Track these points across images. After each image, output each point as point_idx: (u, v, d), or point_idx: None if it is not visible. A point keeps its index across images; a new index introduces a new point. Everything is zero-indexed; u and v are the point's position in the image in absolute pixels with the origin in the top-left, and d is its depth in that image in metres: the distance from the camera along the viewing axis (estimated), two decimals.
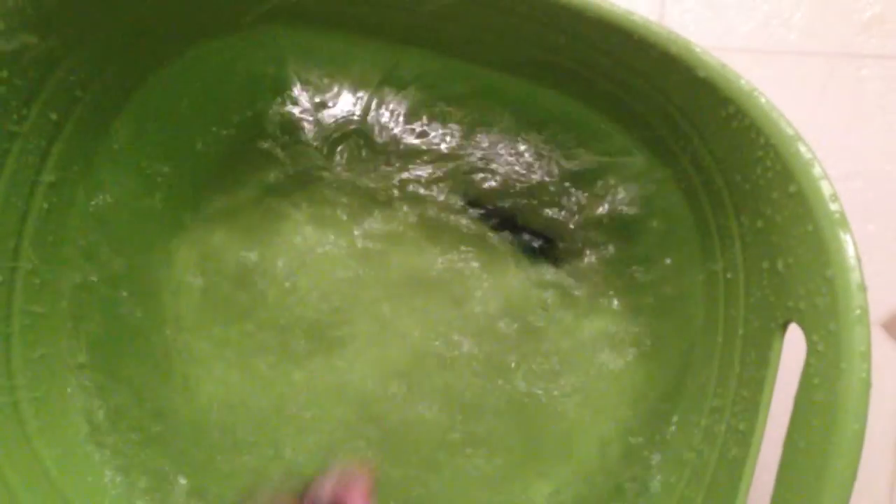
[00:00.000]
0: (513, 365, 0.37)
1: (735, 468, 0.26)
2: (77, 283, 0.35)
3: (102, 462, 0.35)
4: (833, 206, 0.23)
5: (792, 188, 0.24)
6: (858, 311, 0.22)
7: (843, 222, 0.23)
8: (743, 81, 0.25)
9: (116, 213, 0.36)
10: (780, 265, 0.25)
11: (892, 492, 0.37)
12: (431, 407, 0.37)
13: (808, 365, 0.23)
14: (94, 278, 0.35)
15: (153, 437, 0.36)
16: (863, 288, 0.22)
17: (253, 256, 0.39)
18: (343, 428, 0.37)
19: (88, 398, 0.35)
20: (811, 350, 0.23)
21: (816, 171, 0.23)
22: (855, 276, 0.22)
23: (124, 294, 0.36)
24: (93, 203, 0.35)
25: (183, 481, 0.36)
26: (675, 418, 0.33)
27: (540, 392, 0.36)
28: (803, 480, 0.22)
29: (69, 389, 0.35)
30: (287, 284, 0.38)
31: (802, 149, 0.24)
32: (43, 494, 0.32)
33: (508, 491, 0.36)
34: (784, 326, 0.25)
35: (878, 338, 0.38)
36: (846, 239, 0.22)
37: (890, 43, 0.40)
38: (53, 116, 0.31)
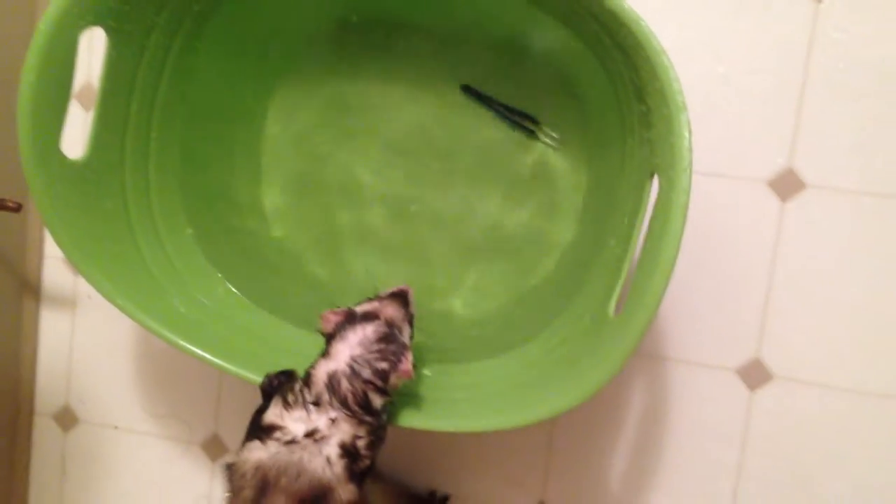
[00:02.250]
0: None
1: (622, 255, 0.41)
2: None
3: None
4: (679, 98, 0.37)
5: (657, 84, 0.37)
6: (685, 163, 0.36)
7: (683, 107, 0.36)
8: (632, 11, 0.38)
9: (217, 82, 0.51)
10: (651, 135, 0.39)
11: (764, 308, 0.53)
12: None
13: (657, 198, 0.38)
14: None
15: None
16: (690, 150, 0.36)
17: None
18: None
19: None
20: (660, 189, 0.37)
21: (671, 74, 0.37)
22: (686, 143, 0.36)
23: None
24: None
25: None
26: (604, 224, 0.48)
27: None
28: (648, 262, 0.37)
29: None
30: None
31: (664, 59, 0.37)
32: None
33: None
34: (651, 175, 0.39)
35: (763, 193, 0.52)
36: (684, 118, 0.36)
37: None
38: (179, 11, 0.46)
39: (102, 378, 0.63)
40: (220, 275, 0.52)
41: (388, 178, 0.56)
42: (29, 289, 0.62)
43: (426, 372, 0.49)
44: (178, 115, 0.50)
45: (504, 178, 0.54)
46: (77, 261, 0.44)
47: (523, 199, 0.54)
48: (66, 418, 0.63)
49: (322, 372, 0.40)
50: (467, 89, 0.53)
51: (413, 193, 0.55)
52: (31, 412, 0.64)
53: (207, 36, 0.50)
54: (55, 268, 0.63)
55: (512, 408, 0.42)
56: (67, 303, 0.63)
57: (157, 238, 0.49)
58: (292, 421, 0.40)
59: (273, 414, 0.40)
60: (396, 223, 0.56)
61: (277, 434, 0.39)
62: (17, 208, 0.53)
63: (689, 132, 0.36)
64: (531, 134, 0.53)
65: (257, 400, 0.43)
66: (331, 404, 0.39)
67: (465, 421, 0.43)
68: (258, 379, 0.44)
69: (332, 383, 0.40)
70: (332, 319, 0.42)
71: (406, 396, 0.45)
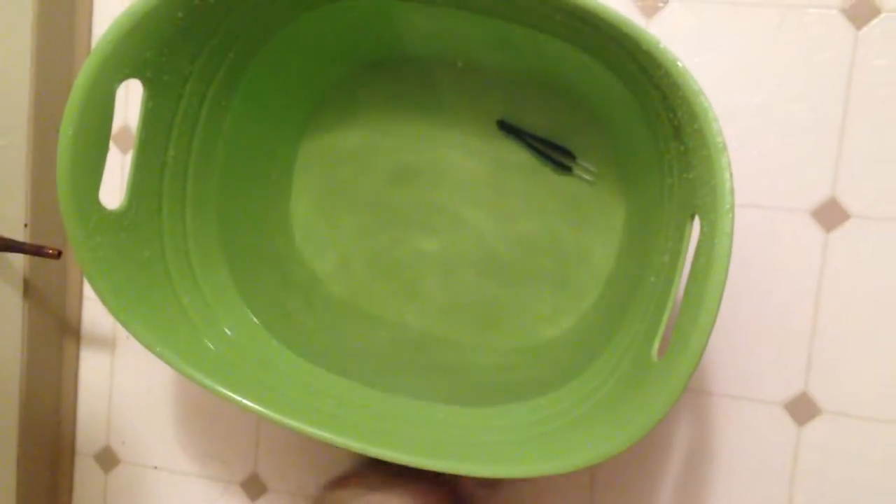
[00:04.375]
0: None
1: (664, 294, 0.40)
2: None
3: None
4: (719, 139, 0.36)
5: (696, 125, 0.37)
6: (727, 206, 0.35)
7: (724, 149, 0.36)
8: (670, 52, 0.37)
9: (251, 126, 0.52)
10: (691, 176, 0.38)
11: (811, 341, 0.51)
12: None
13: (699, 241, 0.37)
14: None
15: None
16: (731, 193, 0.35)
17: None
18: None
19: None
20: (701, 231, 0.37)
21: (710, 115, 0.36)
22: (728, 185, 0.35)
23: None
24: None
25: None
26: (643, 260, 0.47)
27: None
28: (691, 305, 0.36)
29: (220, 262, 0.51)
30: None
31: (702, 100, 0.36)
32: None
33: None
34: (692, 216, 0.39)
35: (806, 224, 0.51)
36: (724, 161, 0.36)
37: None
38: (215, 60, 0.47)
39: (142, 418, 0.63)
40: (257, 320, 0.52)
41: (417, 217, 0.56)
42: (69, 330, 0.63)
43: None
44: (213, 159, 0.50)
45: (540, 212, 0.54)
46: (118, 312, 0.44)
47: (560, 233, 0.53)
48: (107, 458, 0.64)
49: None
50: (503, 125, 0.53)
51: (450, 231, 0.55)
52: (72, 452, 0.65)
53: (242, 81, 0.50)
54: (95, 309, 0.63)
55: (551, 454, 0.42)
56: (107, 343, 0.63)
57: (195, 284, 0.50)
58: None
59: None
60: (438, 268, 0.56)
61: None
62: (58, 255, 0.53)
63: (731, 174, 0.36)
64: (567, 169, 0.52)
65: (296, 440, 0.43)
66: None
67: (502, 466, 0.43)
68: (299, 426, 0.44)
69: None
70: None
71: (441, 439, 0.45)
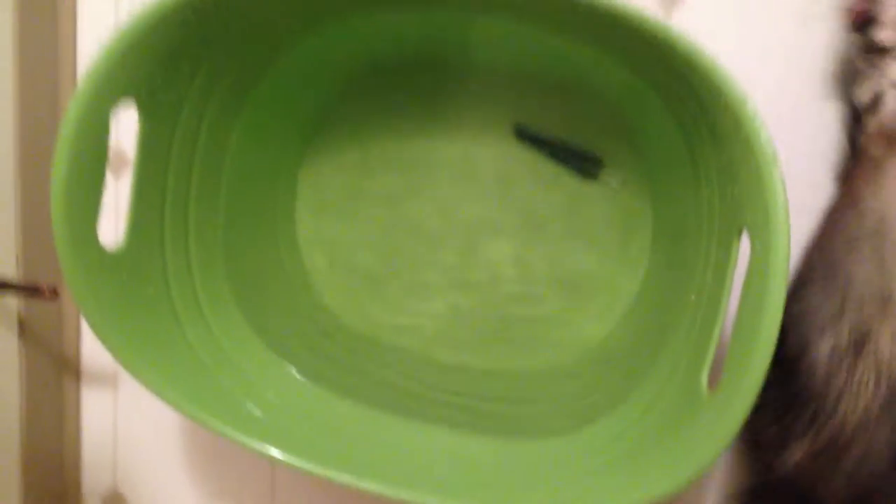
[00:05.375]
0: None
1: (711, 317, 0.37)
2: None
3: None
4: (769, 148, 0.33)
5: (742, 135, 0.34)
6: (783, 223, 0.32)
7: (775, 160, 0.33)
8: (708, 55, 0.34)
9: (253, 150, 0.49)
10: (736, 190, 0.36)
11: None
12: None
13: (751, 260, 0.34)
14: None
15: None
16: (786, 209, 0.32)
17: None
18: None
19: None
20: (753, 250, 0.34)
21: (758, 123, 0.33)
22: (781, 200, 0.32)
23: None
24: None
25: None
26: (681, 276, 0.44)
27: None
28: (745, 335, 0.33)
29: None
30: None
31: (749, 105, 0.34)
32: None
33: None
34: (739, 233, 0.36)
35: None
36: (776, 173, 0.33)
37: None
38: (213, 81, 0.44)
39: (149, 457, 0.60)
40: (270, 351, 0.49)
41: (432, 234, 0.53)
42: (68, 368, 0.60)
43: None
44: (215, 186, 0.48)
45: (561, 223, 0.51)
46: (125, 359, 0.41)
47: (583, 244, 0.50)
48: (114, 500, 0.61)
49: None
50: (521, 132, 0.50)
51: (466, 245, 0.52)
52: (77, 495, 0.62)
53: (245, 104, 0.47)
54: (94, 345, 0.60)
55: (588, 497, 0.39)
56: (109, 380, 0.60)
57: (203, 320, 0.47)
58: None
59: None
60: (452, 283, 0.53)
61: None
62: (54, 294, 0.50)
63: (784, 189, 0.33)
64: (591, 176, 0.49)
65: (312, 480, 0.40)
66: None
67: None
68: (320, 471, 0.41)
69: None
70: None
71: (473, 479, 0.42)
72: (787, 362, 0.42)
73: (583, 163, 0.49)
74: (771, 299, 0.32)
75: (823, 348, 0.41)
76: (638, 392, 0.43)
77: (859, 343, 0.40)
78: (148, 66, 0.40)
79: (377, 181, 0.53)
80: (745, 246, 0.35)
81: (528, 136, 0.50)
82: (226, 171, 0.48)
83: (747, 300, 0.34)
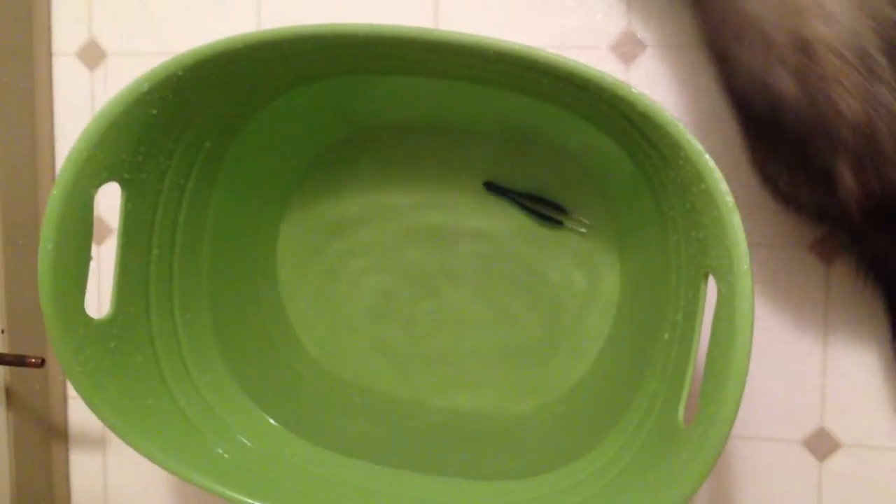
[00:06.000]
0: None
1: (684, 355, 0.39)
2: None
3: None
4: (728, 199, 0.35)
5: (703, 185, 0.36)
6: (745, 268, 0.34)
7: (734, 209, 0.35)
8: (667, 113, 0.36)
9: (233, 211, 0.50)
10: (700, 235, 0.38)
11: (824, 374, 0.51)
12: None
13: (717, 303, 0.36)
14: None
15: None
16: (748, 253, 0.34)
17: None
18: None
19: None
20: (719, 293, 0.36)
21: (717, 175, 0.35)
22: (742, 247, 0.34)
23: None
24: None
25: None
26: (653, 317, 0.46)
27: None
28: (717, 371, 0.35)
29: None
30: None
31: (707, 159, 0.36)
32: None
33: None
34: (706, 276, 0.38)
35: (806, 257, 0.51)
36: (736, 221, 0.35)
37: None
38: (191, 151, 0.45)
39: None
40: (259, 410, 0.50)
41: (409, 286, 0.54)
42: (56, 433, 0.60)
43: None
44: (199, 251, 0.49)
45: (534, 268, 0.53)
46: (112, 423, 0.42)
47: (558, 287, 0.52)
48: None
49: None
50: (490, 186, 0.52)
51: (435, 296, 0.54)
52: None
53: (221, 168, 0.49)
54: (80, 409, 0.60)
55: None
56: (97, 442, 0.61)
57: (191, 382, 0.47)
58: None
59: None
60: (432, 330, 0.54)
61: None
62: (41, 364, 0.51)
63: (744, 235, 0.35)
64: (558, 224, 0.51)
65: None
66: None
67: None
68: None
69: None
70: None
71: None
72: (766, 121, 0.43)
73: (549, 211, 0.51)
74: (739, 336, 0.34)
75: (783, 80, 0.41)
76: (618, 428, 0.44)
77: (804, 50, 0.41)
78: (128, 146, 0.41)
79: (355, 235, 0.55)
80: (712, 284, 0.37)
81: (496, 189, 0.52)
82: (207, 235, 0.49)
83: (717, 338, 0.36)
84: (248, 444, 0.48)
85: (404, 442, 0.51)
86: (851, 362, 0.50)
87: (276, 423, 0.50)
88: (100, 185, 0.41)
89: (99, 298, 0.54)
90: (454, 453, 0.50)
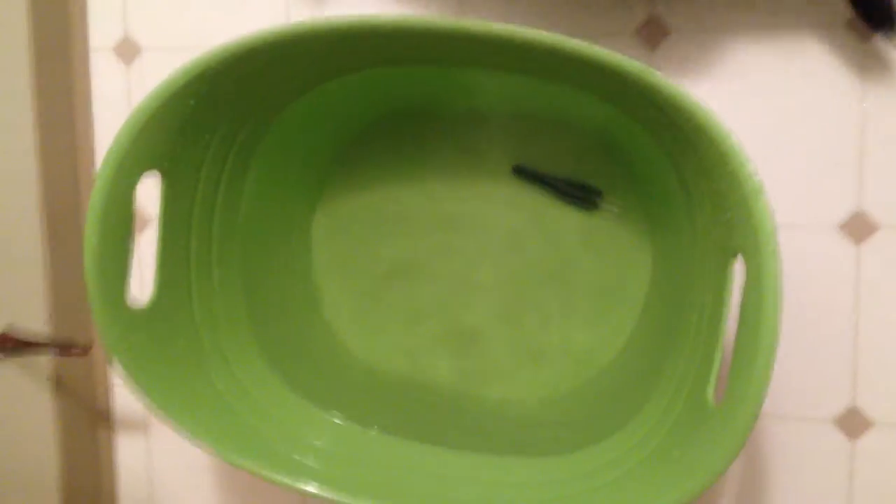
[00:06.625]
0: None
1: (712, 336, 0.40)
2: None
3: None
4: (754, 180, 0.36)
5: (728, 168, 0.36)
6: (772, 248, 0.35)
7: (761, 190, 0.35)
8: (692, 97, 0.37)
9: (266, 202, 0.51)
10: (727, 217, 0.38)
11: (854, 353, 0.51)
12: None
13: (745, 283, 0.36)
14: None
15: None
16: (775, 233, 0.35)
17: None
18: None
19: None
20: (747, 272, 0.36)
21: (742, 157, 0.36)
22: (769, 227, 0.35)
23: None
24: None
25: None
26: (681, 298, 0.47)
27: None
28: (746, 351, 0.36)
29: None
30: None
31: (732, 142, 0.36)
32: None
33: None
34: (734, 256, 0.38)
35: (836, 238, 0.50)
36: (763, 202, 0.35)
37: None
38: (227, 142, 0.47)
39: (185, 497, 0.62)
40: (295, 394, 0.51)
41: (440, 272, 0.55)
42: (101, 418, 0.62)
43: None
44: (233, 240, 0.50)
45: (565, 252, 0.53)
46: (157, 406, 0.43)
47: (588, 271, 0.53)
48: None
49: None
50: (519, 170, 0.52)
51: (467, 283, 0.55)
52: None
53: (254, 159, 0.50)
54: (124, 394, 0.62)
55: None
56: (140, 427, 0.63)
57: (228, 368, 0.49)
58: None
59: None
60: (453, 318, 0.55)
61: None
62: (86, 351, 0.53)
63: (772, 215, 0.35)
64: (592, 206, 0.52)
65: None
66: None
67: None
68: (349, 501, 0.43)
69: None
70: None
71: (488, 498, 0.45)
72: None
73: (582, 193, 0.52)
74: (767, 316, 0.35)
75: None
76: (648, 407, 0.45)
77: None
78: (167, 139, 0.42)
79: (387, 223, 0.56)
80: (740, 264, 0.38)
81: (526, 174, 0.52)
82: (240, 224, 0.51)
83: (745, 318, 0.36)
84: (287, 424, 0.49)
85: (448, 424, 0.52)
86: (885, 337, 0.50)
87: (308, 403, 0.51)
88: (140, 176, 0.42)
89: (139, 286, 0.56)
90: (490, 434, 0.51)
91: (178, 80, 0.41)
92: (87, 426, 0.61)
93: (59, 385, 0.58)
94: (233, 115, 0.46)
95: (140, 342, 0.44)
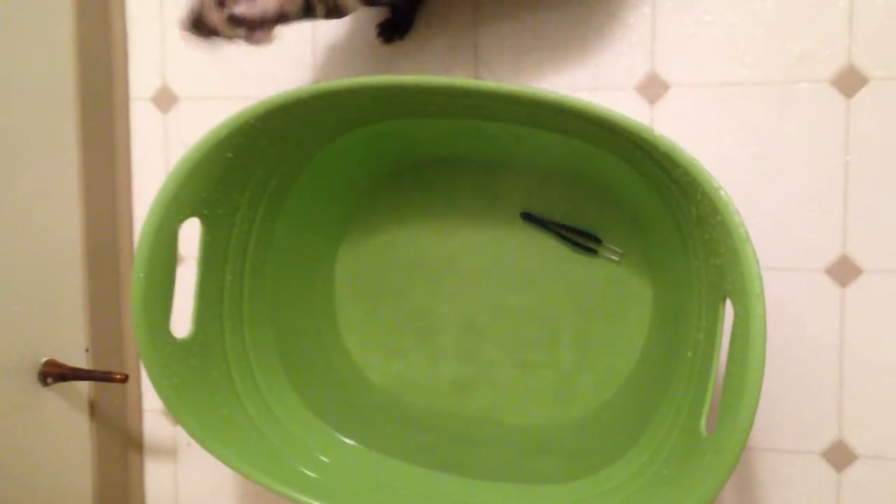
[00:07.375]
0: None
1: (705, 370, 0.44)
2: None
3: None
4: (742, 230, 0.39)
5: (719, 217, 0.40)
6: (758, 291, 0.38)
7: (748, 239, 0.39)
8: (687, 153, 0.41)
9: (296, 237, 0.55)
10: (718, 262, 0.42)
11: (840, 391, 0.54)
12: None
13: (734, 322, 0.40)
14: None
15: None
16: (760, 278, 0.39)
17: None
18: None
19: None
20: (735, 314, 0.40)
21: (731, 208, 0.40)
22: (755, 272, 0.39)
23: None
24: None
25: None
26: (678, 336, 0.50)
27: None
28: (734, 384, 0.39)
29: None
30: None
31: (722, 194, 0.40)
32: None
33: None
34: (724, 299, 0.42)
35: (822, 281, 0.54)
36: (749, 249, 0.39)
37: None
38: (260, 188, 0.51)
39: None
40: (319, 420, 0.55)
41: (455, 308, 0.59)
42: (132, 443, 0.66)
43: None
44: (264, 277, 0.54)
45: (570, 293, 0.57)
46: (194, 431, 0.47)
47: (591, 311, 0.57)
48: None
49: None
50: (527, 216, 0.57)
51: (479, 318, 0.59)
52: None
53: (285, 203, 0.54)
54: (155, 420, 0.66)
55: None
56: (169, 452, 0.66)
57: (260, 396, 0.53)
58: None
59: None
60: (466, 350, 0.59)
61: None
62: (125, 379, 0.56)
63: (757, 262, 0.39)
64: (593, 252, 0.56)
65: None
66: None
67: None
68: None
69: None
70: None
71: None
72: None
73: (583, 240, 0.56)
74: (754, 353, 0.38)
75: None
76: (647, 437, 0.48)
77: None
78: (207, 186, 0.47)
79: (404, 262, 0.60)
80: (729, 306, 0.41)
81: (533, 220, 0.56)
82: (270, 262, 0.55)
83: (734, 355, 0.40)
84: (309, 448, 0.53)
85: (456, 450, 0.56)
86: (868, 375, 0.53)
87: (334, 433, 0.55)
88: (183, 220, 0.46)
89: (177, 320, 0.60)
90: (502, 461, 0.54)
91: (220, 133, 0.45)
92: (119, 450, 0.65)
93: (95, 411, 0.62)
94: (268, 163, 0.50)
95: (179, 371, 0.47)
